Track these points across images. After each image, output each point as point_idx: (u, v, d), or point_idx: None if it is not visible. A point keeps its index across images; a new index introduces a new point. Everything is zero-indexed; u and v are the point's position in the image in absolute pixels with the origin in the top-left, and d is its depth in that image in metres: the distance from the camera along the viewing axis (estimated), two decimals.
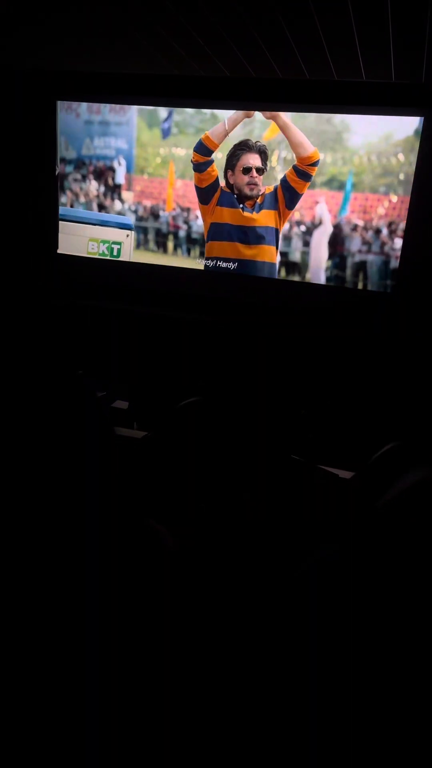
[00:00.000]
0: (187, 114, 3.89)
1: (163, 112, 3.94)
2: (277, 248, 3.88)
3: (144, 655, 0.80)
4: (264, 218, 3.84)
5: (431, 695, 0.67)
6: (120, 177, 4.14)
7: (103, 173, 4.15)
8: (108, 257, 4.24)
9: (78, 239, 4.30)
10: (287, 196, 3.79)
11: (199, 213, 3.98)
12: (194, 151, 3.86)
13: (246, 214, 3.85)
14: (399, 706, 0.70)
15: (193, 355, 3.90)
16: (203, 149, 3.83)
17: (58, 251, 4.28)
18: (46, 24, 2.82)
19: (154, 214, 4.16)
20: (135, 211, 4.17)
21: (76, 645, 0.77)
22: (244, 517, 1.21)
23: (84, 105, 4.03)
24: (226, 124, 3.77)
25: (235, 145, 3.78)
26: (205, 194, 3.93)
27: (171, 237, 4.16)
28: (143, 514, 0.90)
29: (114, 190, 4.16)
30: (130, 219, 4.22)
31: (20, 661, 0.75)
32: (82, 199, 4.21)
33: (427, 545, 0.68)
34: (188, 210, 4.10)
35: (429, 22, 2.30)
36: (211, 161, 3.85)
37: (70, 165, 4.17)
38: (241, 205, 3.84)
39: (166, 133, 3.98)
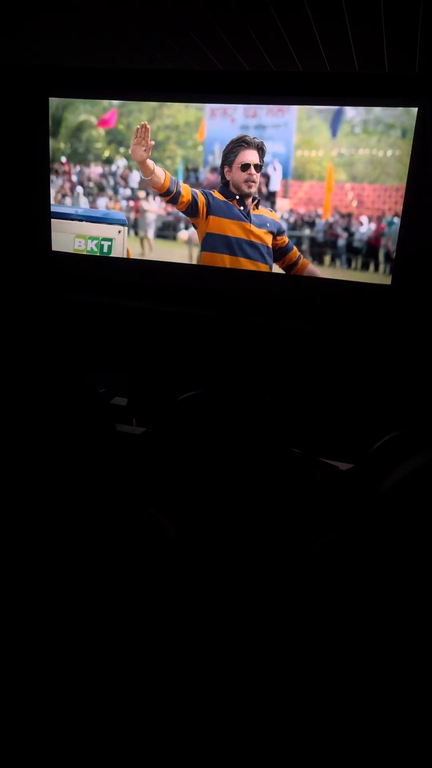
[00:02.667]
0: (374, 112, 3.51)
1: (331, 109, 3.61)
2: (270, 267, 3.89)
3: (146, 645, 0.81)
4: (264, 236, 3.85)
5: None
6: (275, 183, 3.83)
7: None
8: (97, 254, 4.17)
9: (63, 236, 4.20)
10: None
11: (363, 219, 3.74)
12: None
13: (254, 229, 3.82)
14: (403, 695, 0.70)
15: (192, 350, 3.90)
16: (161, 194, 3.87)
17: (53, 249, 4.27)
18: (39, 19, 2.81)
19: (309, 222, 3.86)
20: (287, 220, 3.87)
21: (77, 635, 0.78)
22: (245, 508, 1.21)
23: (240, 108, 3.74)
24: (141, 170, 3.83)
25: (233, 141, 3.72)
26: (189, 213, 3.90)
27: (329, 247, 3.85)
28: (145, 505, 0.91)
29: (268, 198, 3.86)
30: (123, 214, 4.12)
31: (20, 649, 0.76)
32: None
33: (427, 530, 0.68)
34: (349, 216, 3.77)
35: (421, 13, 2.30)
36: (177, 194, 3.82)
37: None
38: (241, 207, 3.80)
39: (335, 132, 3.65)
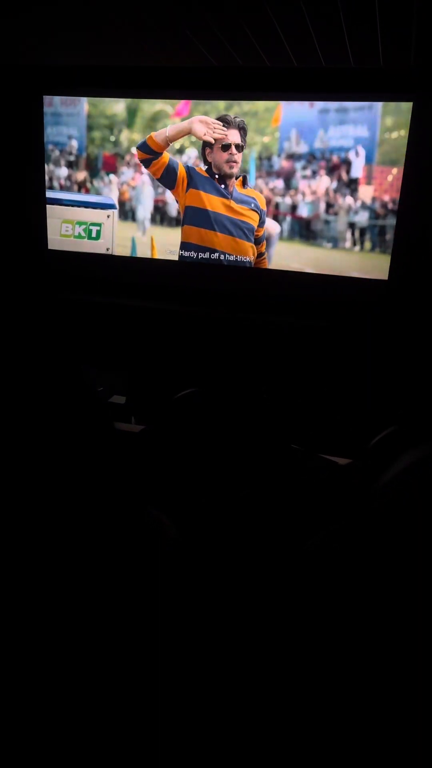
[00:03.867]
0: None
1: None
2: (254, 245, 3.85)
3: (145, 644, 0.81)
4: (246, 213, 3.82)
5: None
6: (357, 170, 3.61)
7: (336, 168, 3.66)
8: (86, 239, 4.13)
9: (50, 222, 4.16)
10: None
11: None
12: (137, 148, 3.83)
13: (234, 205, 3.79)
14: (403, 693, 0.70)
15: (190, 347, 3.90)
16: (146, 148, 3.79)
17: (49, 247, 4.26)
18: (32, 18, 2.80)
19: (395, 211, 3.58)
20: (370, 208, 3.63)
21: (76, 635, 0.78)
22: (244, 505, 1.21)
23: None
24: (168, 132, 3.73)
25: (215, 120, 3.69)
26: (165, 182, 3.85)
27: None
28: (144, 504, 0.90)
29: (348, 185, 3.64)
30: (112, 199, 4.05)
31: (19, 649, 0.76)
32: (309, 198, 3.74)
33: (427, 526, 0.68)
34: None
35: (415, 6, 2.29)
36: (155, 158, 3.78)
37: (299, 160, 3.70)
38: (222, 186, 3.76)
39: None
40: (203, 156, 3.76)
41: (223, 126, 3.67)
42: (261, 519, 1.17)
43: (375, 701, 0.70)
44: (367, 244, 3.72)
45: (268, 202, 3.83)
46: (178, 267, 4.04)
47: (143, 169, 3.98)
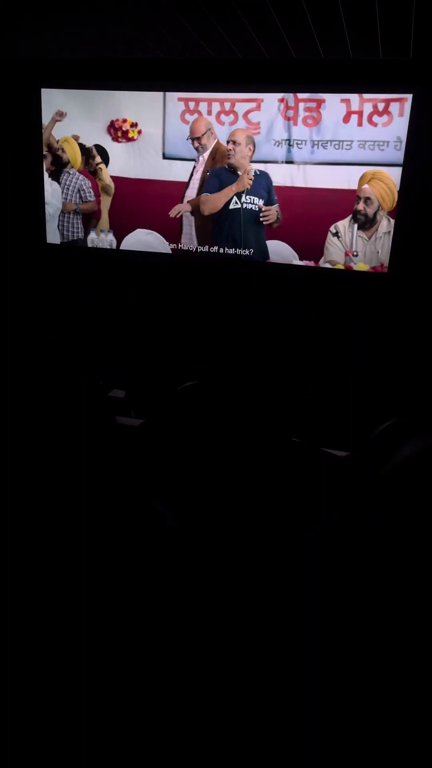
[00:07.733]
0: None
1: None
2: None
3: (147, 636, 0.81)
4: None
5: None
6: None
7: None
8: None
9: None
10: None
11: None
12: None
13: None
14: (405, 684, 0.70)
15: (190, 341, 3.90)
16: None
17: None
18: (29, 11, 2.78)
19: None
20: None
21: (79, 626, 0.78)
22: (245, 497, 1.21)
23: None
24: None
25: None
26: None
27: None
28: (145, 495, 0.91)
29: None
30: None
31: (22, 642, 0.76)
32: None
33: (428, 515, 0.68)
34: None
35: None
36: None
37: None
38: None
39: None
40: None
41: None
42: (261, 509, 1.17)
43: (376, 687, 0.70)
44: None
45: None
46: (177, 262, 4.03)
47: None
